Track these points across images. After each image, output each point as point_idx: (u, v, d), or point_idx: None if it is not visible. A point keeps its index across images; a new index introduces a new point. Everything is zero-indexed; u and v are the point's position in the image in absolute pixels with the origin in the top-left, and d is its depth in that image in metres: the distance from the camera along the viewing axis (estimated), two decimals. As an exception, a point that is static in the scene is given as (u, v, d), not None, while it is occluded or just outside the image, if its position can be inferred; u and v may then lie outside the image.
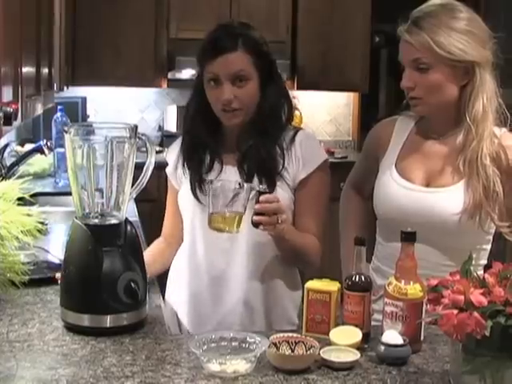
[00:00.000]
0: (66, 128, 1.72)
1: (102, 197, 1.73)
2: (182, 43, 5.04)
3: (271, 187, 1.93)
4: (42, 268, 2.08)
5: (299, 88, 5.48)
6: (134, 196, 1.79)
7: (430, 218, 1.83)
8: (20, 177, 2.10)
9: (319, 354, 1.51)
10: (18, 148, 4.22)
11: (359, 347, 1.56)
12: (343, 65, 5.51)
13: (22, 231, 1.83)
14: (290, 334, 1.57)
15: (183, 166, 2.08)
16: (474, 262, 1.50)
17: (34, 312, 1.81)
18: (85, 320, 1.67)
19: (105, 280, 1.65)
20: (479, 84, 1.82)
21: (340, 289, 1.67)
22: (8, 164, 3.26)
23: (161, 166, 2.15)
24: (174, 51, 5.21)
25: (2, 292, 1.82)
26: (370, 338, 1.63)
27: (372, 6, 5.48)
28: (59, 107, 3.91)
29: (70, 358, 1.53)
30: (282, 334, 1.56)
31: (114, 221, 1.73)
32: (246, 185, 1.80)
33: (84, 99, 5.13)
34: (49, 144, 3.21)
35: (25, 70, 2.34)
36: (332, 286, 1.66)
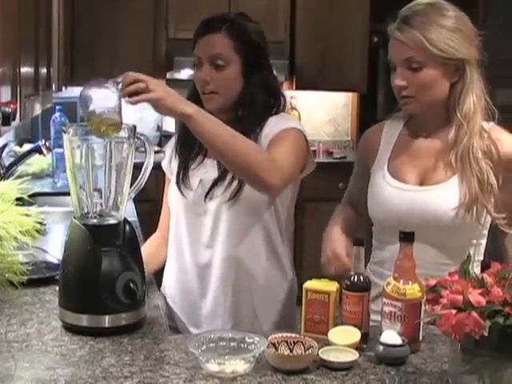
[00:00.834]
0: (64, 128, 1.72)
1: (101, 197, 1.73)
2: (180, 43, 5.03)
3: None
4: (40, 268, 2.08)
5: (298, 88, 5.49)
6: (133, 196, 1.79)
7: (426, 217, 1.83)
8: (18, 177, 2.09)
9: (318, 354, 1.51)
10: (17, 148, 4.22)
11: (358, 347, 1.56)
12: (342, 65, 5.50)
13: (20, 231, 1.82)
14: (289, 334, 1.57)
15: (175, 157, 2.11)
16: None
17: (32, 312, 1.81)
18: (83, 320, 1.66)
19: (103, 280, 1.65)
20: (469, 81, 1.84)
21: (339, 289, 1.67)
22: (6, 164, 3.25)
23: (159, 166, 2.15)
24: (172, 51, 5.21)
25: (1, 292, 1.81)
26: (368, 338, 1.63)
27: (370, 5, 5.47)
28: (58, 107, 3.91)
29: (68, 358, 1.53)
30: (280, 334, 1.56)
31: (112, 221, 1.73)
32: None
33: (83, 99, 5.11)
34: (47, 144, 3.21)
35: (23, 70, 2.34)
36: (331, 286, 1.66)
